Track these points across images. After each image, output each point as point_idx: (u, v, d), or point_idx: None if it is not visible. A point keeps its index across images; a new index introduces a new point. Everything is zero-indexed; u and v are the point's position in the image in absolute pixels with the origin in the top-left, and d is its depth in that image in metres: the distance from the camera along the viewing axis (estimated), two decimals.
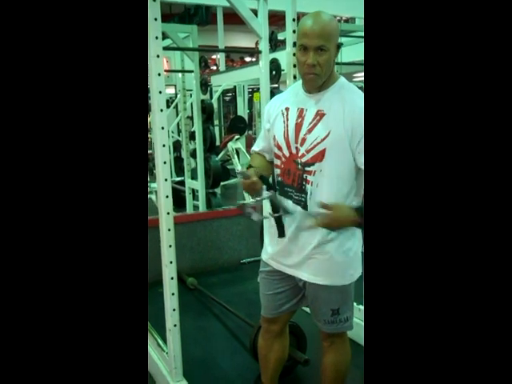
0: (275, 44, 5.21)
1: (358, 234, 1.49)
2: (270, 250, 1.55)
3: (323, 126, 1.36)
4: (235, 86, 7.99)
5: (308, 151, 1.38)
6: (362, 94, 1.40)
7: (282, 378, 1.85)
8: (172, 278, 1.80)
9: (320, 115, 1.38)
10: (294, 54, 2.40)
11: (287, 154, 1.43)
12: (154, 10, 1.58)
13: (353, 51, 4.68)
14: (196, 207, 4.50)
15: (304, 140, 1.39)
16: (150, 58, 1.60)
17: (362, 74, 6.43)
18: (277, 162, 1.49)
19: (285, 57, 2.49)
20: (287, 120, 1.44)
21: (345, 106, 1.36)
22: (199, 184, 4.26)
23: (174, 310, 1.82)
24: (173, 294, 1.81)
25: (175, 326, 1.84)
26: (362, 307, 2.40)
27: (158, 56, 1.62)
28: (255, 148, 1.62)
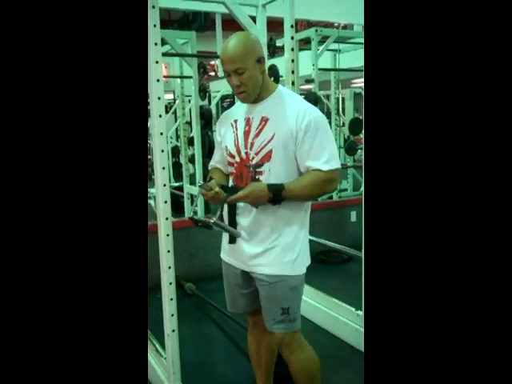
0: (273, 50, 5.22)
1: (306, 228, 1.59)
2: (227, 247, 1.65)
3: (268, 130, 1.49)
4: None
5: (257, 153, 1.50)
6: (299, 97, 1.60)
7: (279, 383, 1.84)
8: (170, 284, 1.80)
9: (265, 120, 1.51)
10: (293, 61, 2.42)
11: (238, 160, 1.55)
12: (153, 17, 1.59)
13: (351, 57, 4.70)
14: (194, 213, 4.49)
15: (252, 144, 1.51)
16: (149, 64, 1.61)
17: (360, 80, 6.46)
18: (231, 169, 1.61)
19: (283, 63, 2.50)
20: (236, 130, 1.57)
21: (286, 109, 1.49)
22: (197, 189, 4.25)
23: (172, 315, 1.82)
24: (171, 299, 1.81)
25: (173, 331, 1.84)
26: (360, 312, 2.41)
27: (157, 62, 1.63)
28: (212, 162, 1.74)
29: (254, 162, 1.51)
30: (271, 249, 1.52)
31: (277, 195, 1.43)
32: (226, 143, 1.60)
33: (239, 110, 1.61)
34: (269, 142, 1.47)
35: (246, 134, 1.53)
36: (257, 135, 1.50)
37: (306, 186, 1.46)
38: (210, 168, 1.76)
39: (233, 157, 1.57)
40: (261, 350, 1.76)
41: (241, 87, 1.47)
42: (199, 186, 1.49)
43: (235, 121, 1.59)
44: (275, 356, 1.82)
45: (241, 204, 1.54)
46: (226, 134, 1.61)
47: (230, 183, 1.62)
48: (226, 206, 1.58)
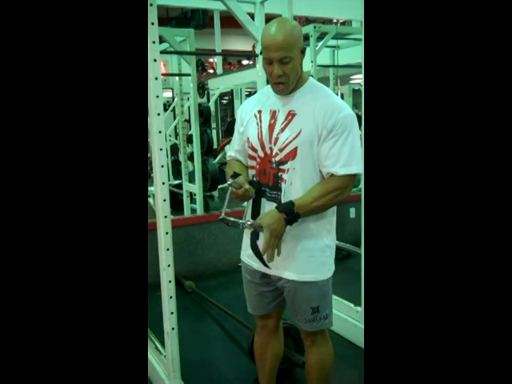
0: None
1: (333, 232, 1.54)
2: (249, 250, 1.58)
3: (294, 125, 1.41)
4: (232, 89, 7.99)
5: (281, 150, 1.43)
6: (331, 93, 1.48)
7: (280, 380, 1.85)
8: (170, 282, 1.80)
9: (291, 115, 1.43)
10: None
11: (262, 155, 1.48)
12: (151, 15, 1.58)
13: (349, 53, 4.69)
14: (194, 210, 4.50)
15: (277, 139, 1.44)
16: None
17: (359, 76, 6.45)
18: (252, 163, 1.53)
19: None
20: (260, 122, 1.49)
21: (315, 105, 1.41)
22: (197, 187, 4.26)
23: (171, 313, 1.82)
24: (171, 297, 1.81)
25: (173, 329, 1.84)
26: (359, 309, 2.41)
27: (155, 60, 1.62)
28: (231, 153, 1.64)
29: (277, 158, 1.43)
30: (295, 253, 1.47)
31: (290, 213, 1.35)
32: (248, 135, 1.51)
33: (264, 99, 1.52)
34: (294, 138, 1.40)
35: (271, 127, 1.45)
36: (282, 130, 1.43)
37: (319, 196, 1.38)
38: (228, 159, 1.66)
39: (255, 151, 1.49)
40: (266, 353, 1.75)
41: (282, 77, 1.37)
42: (228, 185, 1.42)
43: (259, 111, 1.50)
44: (280, 359, 1.81)
45: (265, 202, 1.48)
46: (249, 125, 1.52)
47: (253, 179, 1.53)
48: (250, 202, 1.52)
